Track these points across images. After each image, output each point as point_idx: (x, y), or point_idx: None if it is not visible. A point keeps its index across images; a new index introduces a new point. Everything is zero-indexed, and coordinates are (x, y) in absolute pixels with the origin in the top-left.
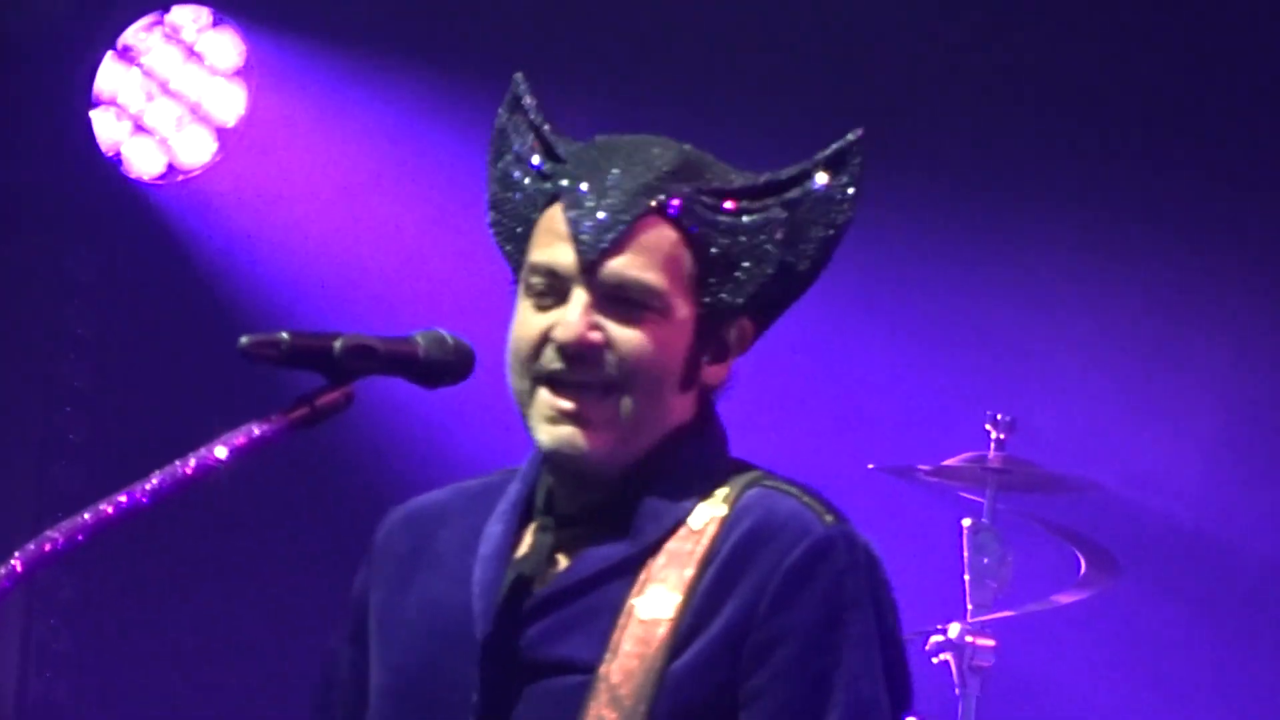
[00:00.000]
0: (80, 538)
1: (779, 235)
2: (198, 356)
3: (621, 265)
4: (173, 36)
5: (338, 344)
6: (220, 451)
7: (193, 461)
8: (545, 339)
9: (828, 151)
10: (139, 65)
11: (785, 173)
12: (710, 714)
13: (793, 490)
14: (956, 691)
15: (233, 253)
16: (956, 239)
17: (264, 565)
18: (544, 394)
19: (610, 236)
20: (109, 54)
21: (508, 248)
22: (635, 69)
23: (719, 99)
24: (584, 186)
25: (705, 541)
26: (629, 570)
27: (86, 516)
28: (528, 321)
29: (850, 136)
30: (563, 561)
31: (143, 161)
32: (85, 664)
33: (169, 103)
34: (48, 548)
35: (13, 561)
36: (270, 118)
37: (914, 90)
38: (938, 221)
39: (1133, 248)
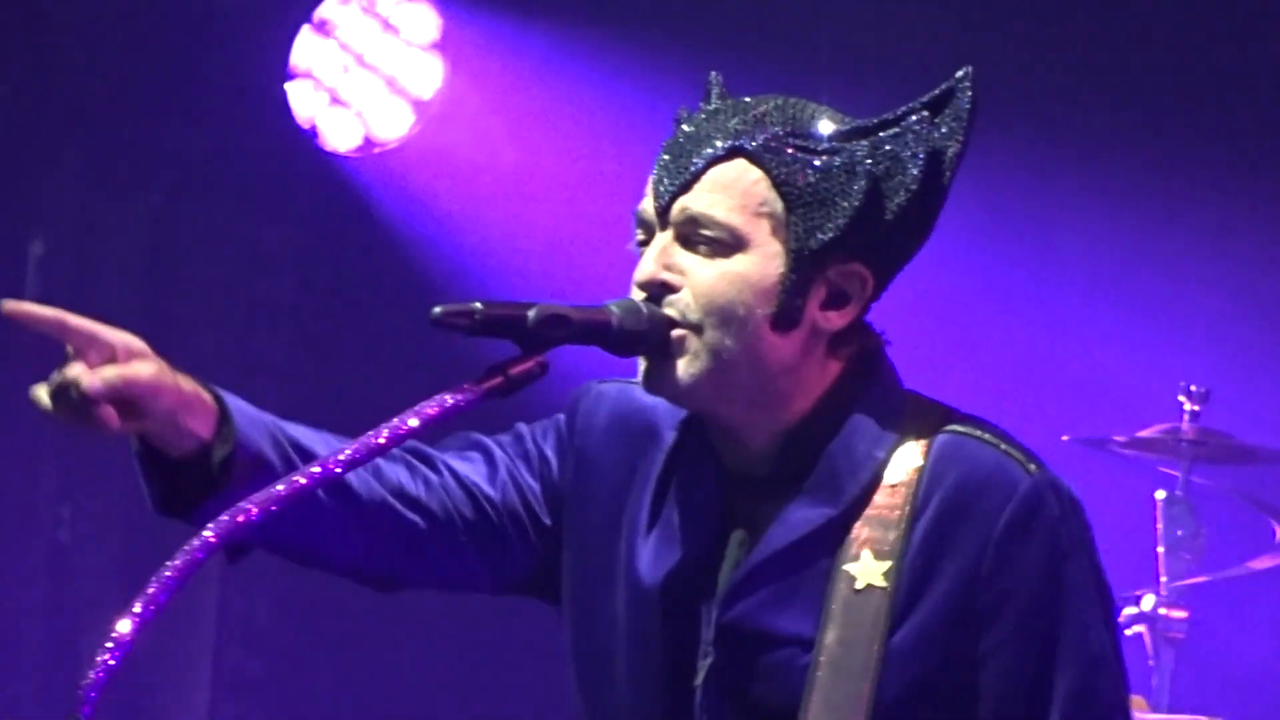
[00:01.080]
0: (274, 507)
1: (871, 172)
2: (390, 327)
3: (692, 202)
4: (369, 9)
5: (531, 313)
6: (412, 421)
7: (385, 432)
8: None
9: (932, 93)
10: (335, 38)
11: (883, 116)
12: (938, 682)
13: (988, 437)
14: (1150, 663)
15: (427, 226)
16: (1153, 211)
17: None
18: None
19: (682, 178)
20: (305, 27)
21: None
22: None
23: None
24: (684, 133)
25: (907, 497)
26: (833, 532)
27: (280, 487)
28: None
29: (958, 74)
30: (762, 532)
31: (338, 134)
32: (278, 640)
33: (365, 75)
34: (241, 518)
35: (206, 532)
36: (467, 91)
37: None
38: (1134, 192)
39: None
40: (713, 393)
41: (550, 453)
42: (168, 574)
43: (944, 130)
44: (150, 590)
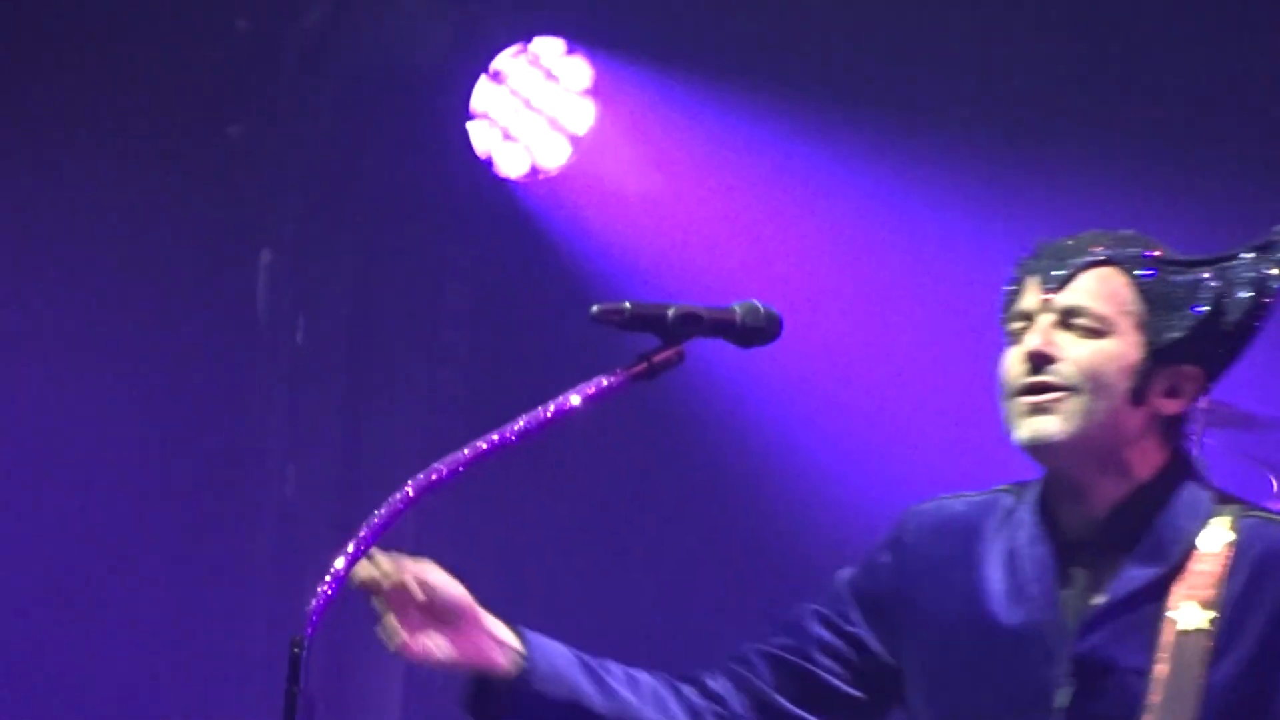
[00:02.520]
0: (461, 469)
1: (1210, 292)
2: (553, 325)
3: (1073, 294)
4: (534, 62)
5: (670, 311)
6: (574, 399)
7: (552, 407)
8: (1019, 361)
9: (1258, 241)
10: (507, 85)
11: (1217, 253)
12: (1251, 708)
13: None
14: None
15: (583, 241)
16: (1160, 195)
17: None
18: (1018, 400)
19: (1064, 274)
20: (483, 76)
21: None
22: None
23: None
24: (1048, 253)
25: (1222, 563)
26: (1161, 587)
27: (466, 452)
28: (1008, 355)
29: (1278, 228)
30: (1098, 581)
31: (510, 164)
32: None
33: (532, 115)
34: (434, 477)
35: (406, 488)
36: (616, 128)
37: None
38: (1139, 178)
39: None
40: (1077, 448)
41: (873, 582)
42: (375, 520)
43: (1265, 270)
44: (361, 533)
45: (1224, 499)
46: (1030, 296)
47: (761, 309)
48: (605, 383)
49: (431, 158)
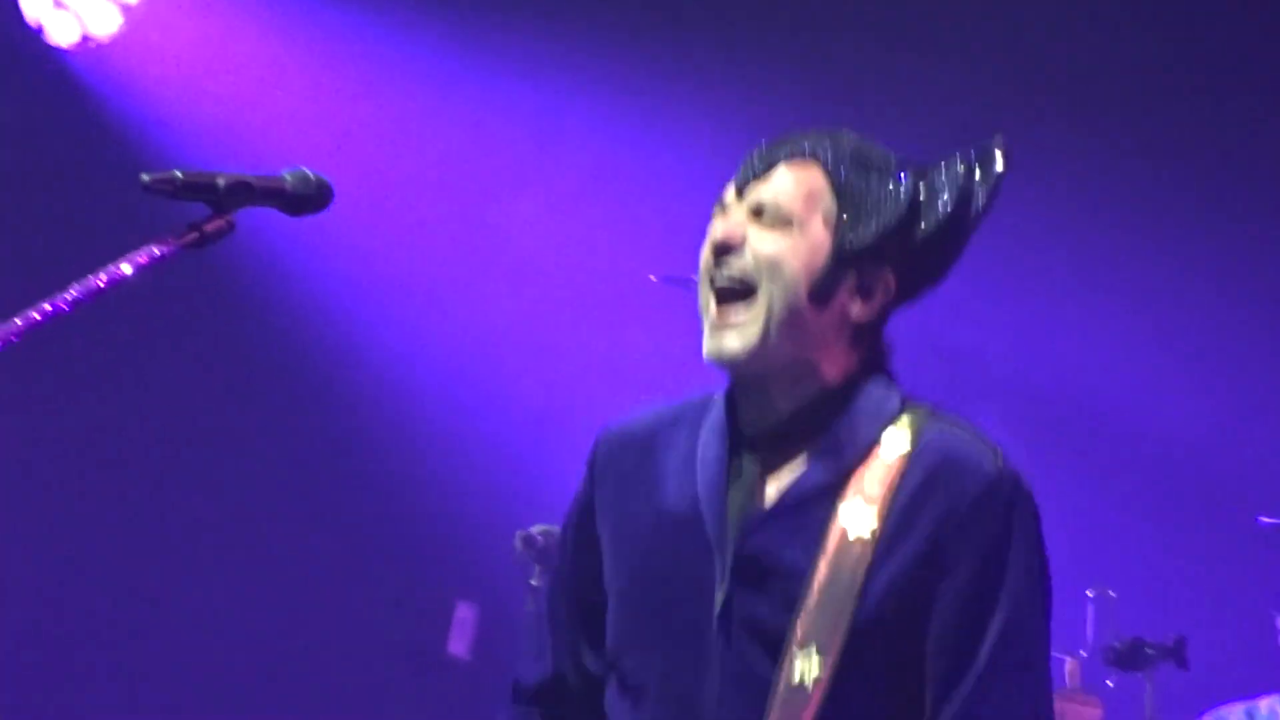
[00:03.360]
0: (13, 339)
1: (909, 199)
2: (105, 196)
3: (766, 189)
4: None
5: (221, 180)
6: (125, 267)
7: (104, 275)
8: (706, 250)
9: (972, 149)
10: None
11: (932, 161)
12: (902, 618)
13: (965, 431)
14: None
15: (136, 110)
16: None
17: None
18: (710, 306)
19: (761, 167)
20: None
21: None
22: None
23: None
24: (762, 148)
25: (896, 470)
26: (832, 492)
27: (18, 321)
28: (706, 240)
29: (997, 139)
30: (770, 481)
31: (61, 32)
32: None
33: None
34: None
35: None
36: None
37: None
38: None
39: None
40: (757, 360)
41: (584, 507)
42: None
43: (972, 188)
44: None
45: (913, 405)
46: (730, 189)
47: (312, 176)
48: (157, 251)
49: None
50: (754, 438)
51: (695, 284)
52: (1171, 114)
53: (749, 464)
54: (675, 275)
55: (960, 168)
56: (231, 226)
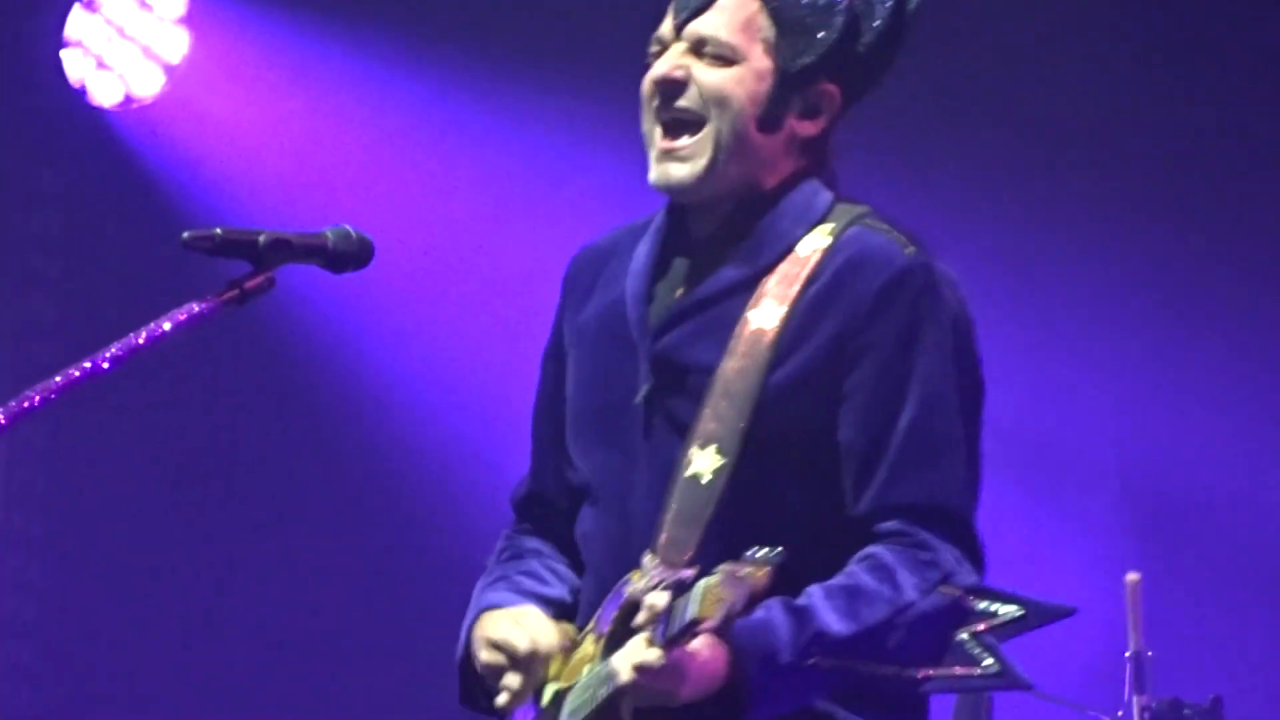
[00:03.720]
0: (54, 396)
1: (844, 15)
2: (147, 253)
3: (704, 23)
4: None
5: (261, 237)
6: (166, 325)
7: (143, 333)
8: (648, 86)
9: None
10: (101, 13)
11: None
12: (806, 414)
13: (885, 227)
14: None
15: (177, 169)
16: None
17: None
18: (655, 136)
19: (698, 2)
20: (76, 4)
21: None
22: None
23: None
24: None
25: (809, 266)
26: (746, 288)
27: (58, 379)
28: (645, 78)
29: None
30: (695, 282)
31: (104, 93)
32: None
33: (125, 44)
34: (26, 404)
35: None
36: (211, 58)
37: None
38: None
39: None
40: (705, 185)
41: (557, 321)
42: None
43: None
44: None
45: (846, 207)
46: (666, 24)
47: (353, 233)
48: (196, 308)
49: (23, 85)
50: (691, 243)
51: None
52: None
53: (679, 266)
54: None
55: None
56: (272, 283)
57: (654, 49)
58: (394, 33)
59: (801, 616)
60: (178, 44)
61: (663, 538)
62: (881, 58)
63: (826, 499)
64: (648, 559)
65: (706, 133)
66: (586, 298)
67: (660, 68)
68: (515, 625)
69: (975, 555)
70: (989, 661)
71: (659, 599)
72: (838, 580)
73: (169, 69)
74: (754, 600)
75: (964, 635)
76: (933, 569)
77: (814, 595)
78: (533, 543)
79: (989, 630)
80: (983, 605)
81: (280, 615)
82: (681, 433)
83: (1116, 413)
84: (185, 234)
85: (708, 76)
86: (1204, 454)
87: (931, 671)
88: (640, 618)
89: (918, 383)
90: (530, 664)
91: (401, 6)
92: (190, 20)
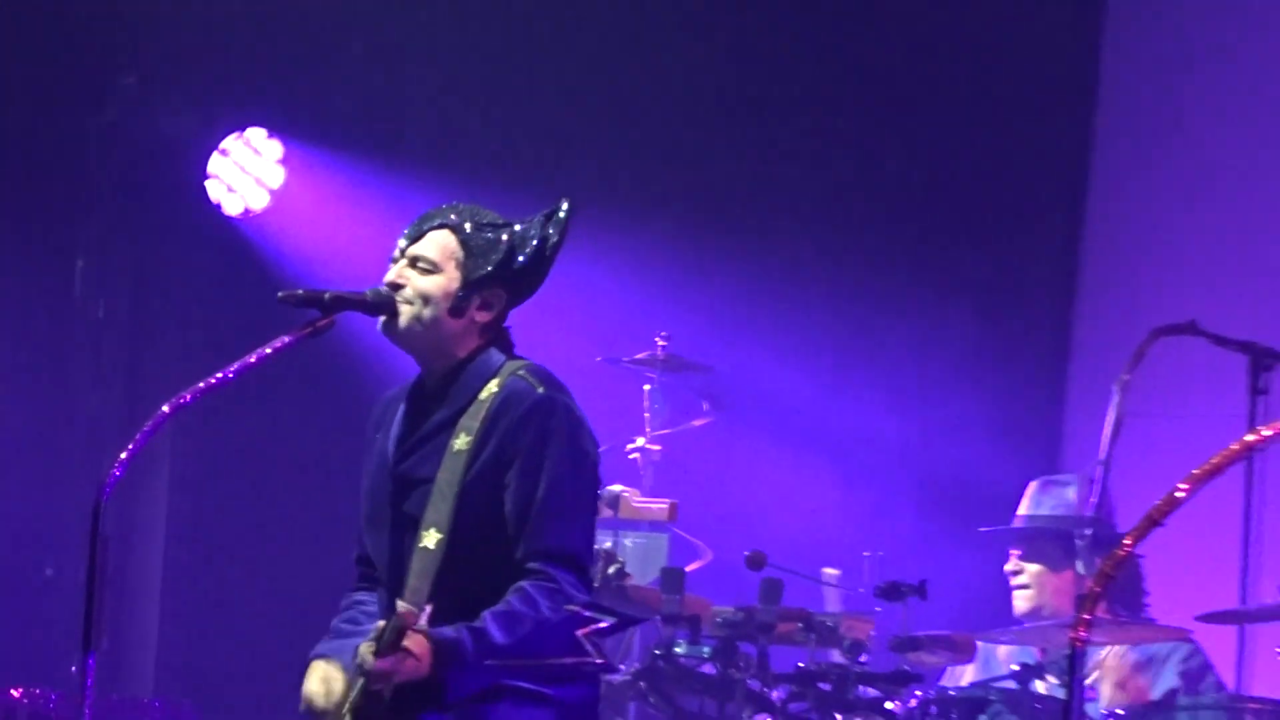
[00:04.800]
0: (199, 395)
1: (507, 244)
2: (258, 311)
3: (419, 247)
4: (247, 143)
5: (326, 295)
6: (267, 349)
7: (254, 355)
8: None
9: (547, 210)
10: (229, 157)
11: (521, 220)
12: (488, 501)
13: (527, 375)
14: (641, 472)
15: (279, 256)
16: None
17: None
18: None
19: (415, 234)
20: (215, 152)
21: None
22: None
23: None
24: (417, 220)
25: (486, 407)
26: (450, 424)
27: (201, 384)
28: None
29: (563, 202)
30: (420, 422)
31: (231, 205)
32: None
33: (245, 176)
34: (182, 400)
35: (164, 407)
36: (300, 186)
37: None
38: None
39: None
40: (415, 340)
41: (365, 445)
42: (146, 427)
43: (550, 230)
44: (138, 435)
45: (512, 364)
46: (398, 247)
47: (385, 292)
48: (287, 339)
49: (183, 204)
50: (424, 395)
51: (633, 363)
52: None
53: (417, 411)
54: (615, 357)
55: (540, 219)
56: (333, 324)
57: (394, 257)
58: (426, 170)
59: (478, 634)
60: (278, 176)
61: (408, 588)
62: (533, 274)
63: (502, 553)
64: (400, 602)
65: (411, 311)
66: (375, 432)
67: (390, 275)
68: (319, 682)
69: (587, 582)
70: (595, 652)
71: (376, 632)
72: (500, 607)
73: (273, 192)
74: (407, 627)
75: (581, 636)
76: (559, 595)
77: (486, 619)
78: (359, 595)
79: (595, 633)
80: (589, 614)
81: None
82: (416, 522)
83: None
84: (280, 294)
85: (419, 281)
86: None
87: (565, 660)
88: (371, 637)
89: (548, 474)
90: (324, 713)
91: (433, 156)
92: (286, 161)
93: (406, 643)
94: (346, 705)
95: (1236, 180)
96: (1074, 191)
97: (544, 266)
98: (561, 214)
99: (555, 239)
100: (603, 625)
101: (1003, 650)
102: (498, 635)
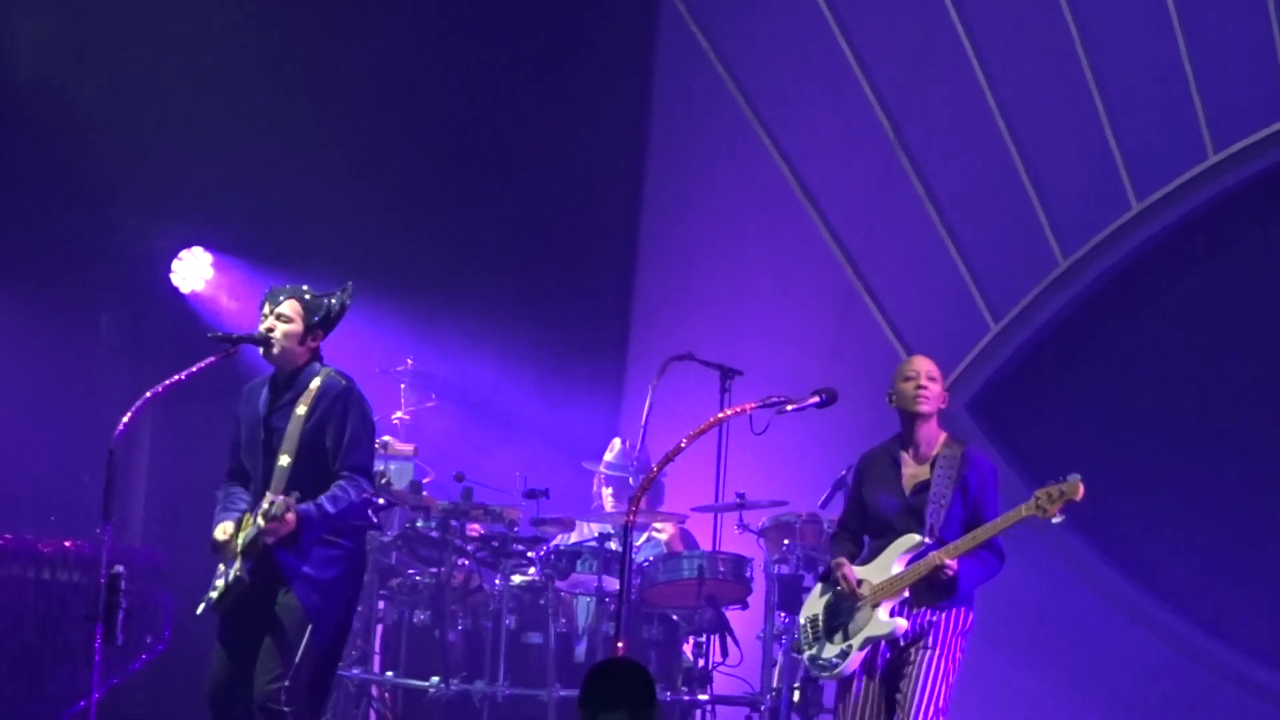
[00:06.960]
0: (164, 390)
1: (325, 306)
2: (199, 344)
3: (280, 307)
4: (192, 253)
5: (234, 335)
6: (204, 363)
7: (196, 366)
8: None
9: (342, 287)
10: (183, 260)
11: (328, 293)
12: (317, 441)
13: (335, 374)
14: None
15: (210, 315)
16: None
17: None
18: (265, 348)
19: (277, 300)
20: (175, 259)
21: None
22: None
23: None
24: (275, 292)
25: (312, 393)
26: (293, 402)
27: (168, 381)
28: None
29: (349, 284)
30: (283, 401)
31: (184, 286)
32: None
33: (192, 272)
34: (149, 395)
35: (146, 394)
36: (220, 278)
37: None
38: None
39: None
40: (279, 359)
41: (238, 412)
42: (133, 409)
43: (345, 297)
44: (129, 412)
45: (326, 371)
46: (267, 306)
47: (260, 333)
48: (212, 359)
49: (160, 284)
50: (279, 385)
51: (393, 372)
52: None
53: (277, 394)
54: (385, 368)
55: (339, 292)
56: (237, 351)
57: (264, 313)
58: (286, 269)
59: (319, 507)
60: (209, 272)
61: (270, 488)
62: (337, 320)
63: (324, 469)
64: (266, 495)
65: (281, 342)
66: (247, 405)
67: (263, 325)
68: (221, 531)
69: (371, 484)
70: (374, 519)
71: (267, 503)
72: (327, 495)
73: (206, 280)
74: (289, 505)
75: (370, 511)
76: (358, 489)
77: (323, 500)
78: (233, 489)
79: (375, 508)
80: (374, 499)
81: None
82: (275, 452)
83: None
84: (209, 334)
85: (281, 327)
86: None
87: (355, 522)
88: (261, 509)
89: (350, 424)
90: (225, 544)
91: (293, 260)
92: (215, 264)
93: (289, 515)
94: (238, 542)
95: (731, 239)
96: (627, 247)
97: (341, 316)
98: (349, 288)
99: (346, 302)
100: (380, 503)
101: (592, 526)
102: (330, 508)
